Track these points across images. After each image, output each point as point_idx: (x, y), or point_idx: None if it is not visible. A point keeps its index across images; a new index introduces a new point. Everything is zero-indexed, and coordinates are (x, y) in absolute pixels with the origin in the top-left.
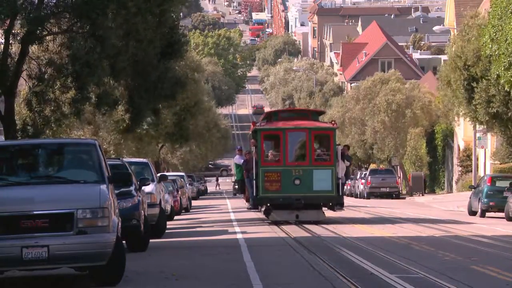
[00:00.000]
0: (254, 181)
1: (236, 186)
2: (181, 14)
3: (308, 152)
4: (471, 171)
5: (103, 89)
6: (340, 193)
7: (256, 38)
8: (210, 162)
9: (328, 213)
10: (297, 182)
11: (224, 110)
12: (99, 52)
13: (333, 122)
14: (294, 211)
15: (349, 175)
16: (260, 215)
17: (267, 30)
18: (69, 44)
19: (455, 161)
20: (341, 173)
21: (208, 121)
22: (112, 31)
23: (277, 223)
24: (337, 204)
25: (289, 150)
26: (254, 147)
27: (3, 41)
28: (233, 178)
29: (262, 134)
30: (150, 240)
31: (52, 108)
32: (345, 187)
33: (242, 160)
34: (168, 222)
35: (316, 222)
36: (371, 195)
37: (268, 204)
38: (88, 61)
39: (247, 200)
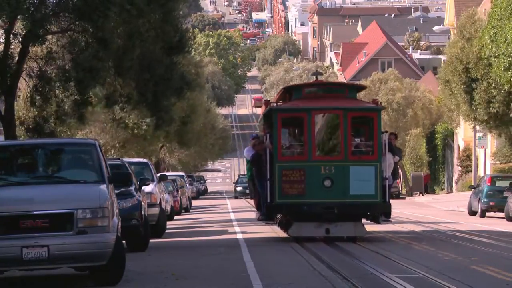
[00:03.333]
0: (267, 182)
1: (238, 188)
2: (182, 12)
3: (343, 142)
4: (471, 171)
5: (112, 88)
6: (387, 199)
7: (255, 39)
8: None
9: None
10: (327, 183)
11: (224, 110)
12: (102, 57)
13: (376, 101)
14: (323, 223)
15: (397, 174)
16: (277, 229)
17: (267, 30)
18: (71, 48)
19: (455, 161)
20: (388, 171)
21: (206, 122)
22: (114, 33)
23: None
24: (383, 214)
25: (317, 139)
26: (267, 135)
27: (3, 40)
28: (234, 179)
29: (280, 117)
30: (150, 240)
31: (53, 107)
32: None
33: (251, 154)
34: (168, 222)
35: (352, 239)
36: None
37: (287, 214)
38: (91, 66)
39: (258, 208)
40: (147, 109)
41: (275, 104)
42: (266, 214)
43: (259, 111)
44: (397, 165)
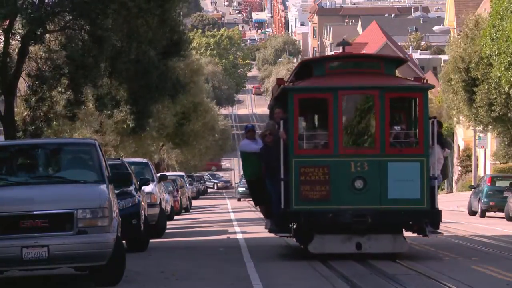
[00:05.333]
0: (281, 183)
1: (240, 189)
2: (181, 13)
3: (378, 131)
4: (471, 171)
5: (103, 91)
6: (436, 205)
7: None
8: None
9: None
10: (358, 184)
11: (224, 110)
12: (96, 54)
13: (420, 78)
14: (353, 236)
15: (447, 172)
16: (293, 243)
17: (267, 30)
18: (66, 44)
19: (455, 161)
20: (437, 168)
21: (206, 122)
22: (112, 32)
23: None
24: (431, 223)
25: (345, 127)
26: (281, 123)
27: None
28: (239, 178)
29: (297, 99)
30: (150, 240)
31: (47, 107)
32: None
33: (256, 146)
34: (168, 222)
35: (391, 256)
36: None
37: (307, 225)
38: (83, 62)
39: (267, 215)
40: (132, 113)
41: (290, 84)
42: (279, 224)
43: (259, 111)
44: (447, 161)
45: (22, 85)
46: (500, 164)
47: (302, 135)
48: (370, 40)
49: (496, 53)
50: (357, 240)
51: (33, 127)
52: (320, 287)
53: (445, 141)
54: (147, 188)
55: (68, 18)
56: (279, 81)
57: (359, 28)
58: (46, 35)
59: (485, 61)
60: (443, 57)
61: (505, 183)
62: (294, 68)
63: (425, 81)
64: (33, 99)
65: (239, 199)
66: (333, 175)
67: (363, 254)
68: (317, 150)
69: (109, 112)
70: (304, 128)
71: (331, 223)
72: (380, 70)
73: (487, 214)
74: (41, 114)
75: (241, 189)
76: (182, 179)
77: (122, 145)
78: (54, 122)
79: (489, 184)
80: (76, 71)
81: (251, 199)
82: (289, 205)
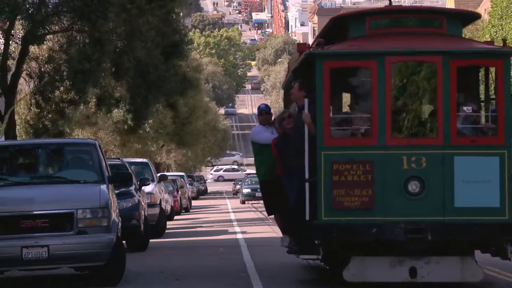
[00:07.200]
0: (306, 186)
1: (245, 190)
2: (181, 13)
3: (441, 114)
4: None
5: (104, 90)
6: None
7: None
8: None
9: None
10: (414, 187)
11: (224, 111)
12: (97, 58)
13: (504, 41)
14: (405, 259)
15: None
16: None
17: (267, 30)
18: (67, 47)
19: None
20: None
21: (207, 122)
22: (112, 34)
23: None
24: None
25: (394, 107)
26: (304, 103)
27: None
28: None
29: (328, 68)
30: (150, 240)
31: (51, 108)
32: None
33: (272, 134)
34: (168, 222)
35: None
36: None
37: (342, 242)
38: (82, 67)
39: (284, 229)
40: (131, 112)
41: (318, 48)
42: (301, 242)
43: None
44: None
45: (23, 85)
46: None
47: (334, 119)
48: None
49: None
50: (411, 265)
51: (37, 126)
52: (320, 287)
53: None
54: (147, 188)
55: (69, 20)
56: (301, 46)
57: None
58: (48, 36)
59: None
60: None
61: None
62: (323, 28)
63: (504, 44)
64: (34, 101)
65: (243, 202)
66: (378, 175)
67: (420, 284)
68: (356, 140)
69: (107, 110)
70: (337, 110)
71: (375, 241)
72: (442, 30)
73: None
74: (47, 114)
75: (245, 191)
76: (182, 179)
77: (123, 144)
78: (60, 122)
79: None
80: (74, 76)
81: (264, 206)
82: (316, 216)
